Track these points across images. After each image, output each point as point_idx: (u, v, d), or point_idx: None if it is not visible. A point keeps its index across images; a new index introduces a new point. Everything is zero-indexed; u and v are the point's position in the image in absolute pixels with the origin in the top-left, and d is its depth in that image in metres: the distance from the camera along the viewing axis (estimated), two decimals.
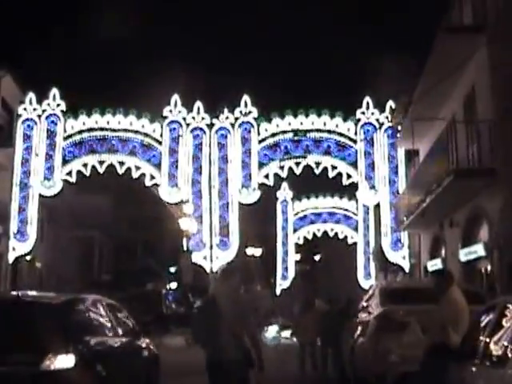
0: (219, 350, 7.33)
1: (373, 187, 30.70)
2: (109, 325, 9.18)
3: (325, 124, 30.99)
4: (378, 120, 30.98)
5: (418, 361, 7.84)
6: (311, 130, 30.97)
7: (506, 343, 5.85)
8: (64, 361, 7.22)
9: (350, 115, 31.10)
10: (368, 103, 31.20)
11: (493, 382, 5.66)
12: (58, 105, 31.44)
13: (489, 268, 17.77)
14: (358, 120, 31.03)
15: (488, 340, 6.30)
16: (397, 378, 9.02)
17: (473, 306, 7.91)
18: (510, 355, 5.56)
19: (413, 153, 27.35)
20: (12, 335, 7.37)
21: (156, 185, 31.11)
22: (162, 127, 31.23)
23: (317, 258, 55.01)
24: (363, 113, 31.10)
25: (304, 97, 53.73)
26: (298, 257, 44.31)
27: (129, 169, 31.05)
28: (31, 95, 31.56)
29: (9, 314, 7.70)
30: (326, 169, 31.03)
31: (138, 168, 31.06)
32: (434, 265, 22.68)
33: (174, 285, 40.83)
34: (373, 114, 31.06)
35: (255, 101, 31.83)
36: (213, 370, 7.47)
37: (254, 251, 44.86)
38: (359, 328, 10.91)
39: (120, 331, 9.47)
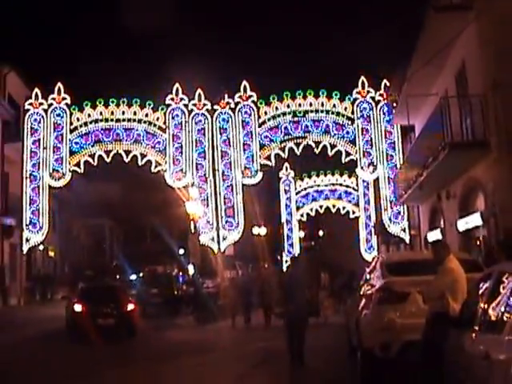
0: (298, 304, 12.27)
1: (371, 163, 30.74)
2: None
3: (323, 105, 30.97)
4: (373, 98, 30.95)
5: (420, 330, 7.95)
6: (310, 111, 30.96)
7: (503, 309, 5.87)
8: (130, 306, 19.06)
9: (347, 95, 31.03)
10: (363, 82, 31.12)
11: (492, 348, 5.68)
12: (64, 98, 31.46)
13: (486, 236, 17.79)
14: (355, 99, 30.98)
15: (486, 307, 6.32)
16: (400, 347, 9.08)
17: (471, 274, 7.98)
18: (507, 321, 5.60)
19: (409, 128, 27.33)
20: (109, 298, 19.14)
21: (162, 170, 31.15)
22: (165, 115, 31.25)
23: (320, 233, 55.14)
24: (359, 92, 31.03)
25: (301, 80, 53.39)
26: (302, 234, 44.39)
27: (135, 156, 31.09)
28: (36, 90, 31.54)
29: (107, 291, 20.00)
30: (325, 147, 31.02)
31: (143, 155, 31.11)
32: (434, 236, 22.70)
33: (184, 267, 40.72)
34: (369, 92, 31.00)
35: (254, 86, 31.78)
36: (292, 318, 12.21)
37: (260, 230, 44.82)
38: (363, 300, 10.97)
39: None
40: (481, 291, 6.89)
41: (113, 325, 18.15)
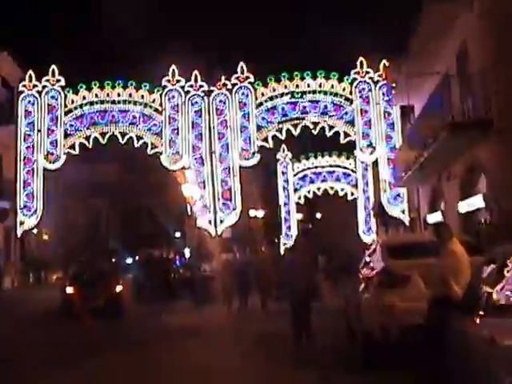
0: (300, 289, 12.11)
1: (370, 144, 30.63)
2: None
3: (321, 85, 30.85)
4: (372, 79, 30.79)
5: (421, 313, 7.83)
6: (308, 92, 30.84)
7: (508, 293, 5.75)
8: (118, 288, 20.56)
9: (345, 76, 30.88)
10: (362, 63, 30.96)
11: (497, 332, 5.54)
12: (58, 80, 31.35)
13: (488, 219, 17.58)
14: (354, 80, 30.85)
15: (491, 290, 6.21)
16: (402, 331, 8.96)
17: (473, 258, 7.82)
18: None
19: (408, 109, 27.16)
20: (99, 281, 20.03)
21: (158, 153, 31.09)
22: (161, 97, 31.16)
23: (318, 216, 54.98)
24: (358, 72, 30.90)
25: (299, 61, 52.98)
26: (300, 216, 44.32)
27: (131, 139, 31.03)
28: (30, 72, 31.37)
29: (98, 274, 20.55)
30: (323, 129, 30.92)
31: (139, 138, 31.07)
32: (434, 218, 22.52)
33: (181, 250, 40.68)
34: (367, 72, 30.84)
35: (251, 67, 31.66)
36: (295, 304, 12.18)
37: (257, 213, 44.81)
38: (363, 283, 10.87)
39: None
40: (484, 275, 6.78)
41: (102, 306, 19.04)
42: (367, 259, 11.78)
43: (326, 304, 19.28)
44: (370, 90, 30.72)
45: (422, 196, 26.86)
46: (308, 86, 30.84)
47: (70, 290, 19.94)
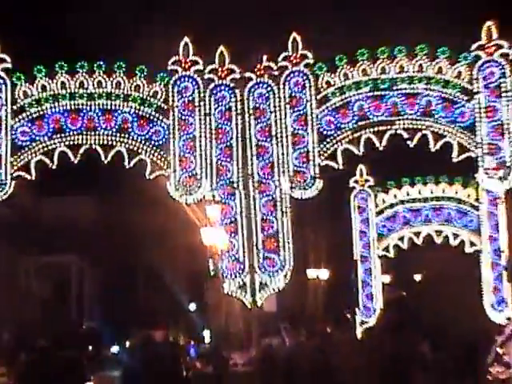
0: None
1: (503, 163, 29.38)
2: None
3: (421, 68, 29.73)
4: (506, 56, 29.40)
5: None
6: (400, 80, 29.92)
7: None
8: None
9: (462, 53, 29.68)
10: (489, 30, 29.49)
11: None
12: (1, 61, 30.35)
13: None
14: (476, 58, 29.55)
15: None
16: None
17: None
18: None
19: None
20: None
21: (163, 176, 30.38)
22: (166, 88, 30.47)
23: (417, 277, 55.51)
24: (482, 47, 29.52)
25: (378, 33, 52.17)
26: (387, 278, 44.62)
27: (118, 154, 30.30)
28: None
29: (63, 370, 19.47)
30: (425, 138, 29.96)
31: (132, 152, 30.35)
32: None
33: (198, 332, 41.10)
34: (499, 47, 29.46)
35: (309, 41, 30.89)
36: None
37: (319, 273, 44.58)
38: None
39: None
40: None
41: None
42: (499, 350, 12.30)
43: None
44: (503, 76, 29.43)
45: None
46: (401, 68, 29.80)
47: None
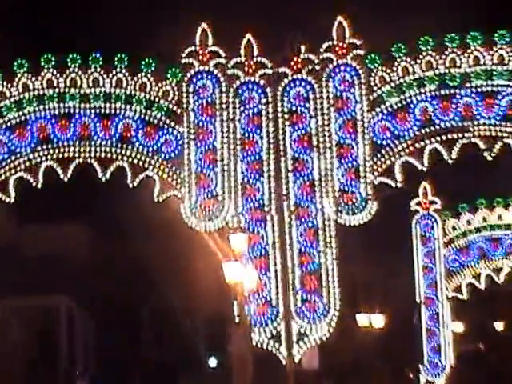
0: None
1: None
2: None
3: (502, 60, 29.49)
4: None
5: None
6: (474, 75, 29.77)
7: None
8: None
9: None
10: None
11: None
12: None
13: None
14: None
15: None
16: None
17: None
18: None
19: None
20: None
21: (176, 198, 30.37)
22: (179, 87, 30.50)
23: (499, 327, 55.13)
24: None
25: (446, 16, 52.25)
26: (460, 326, 44.35)
27: (120, 171, 30.28)
28: None
29: None
30: (507, 149, 29.76)
31: (136, 168, 30.38)
32: None
33: None
34: None
35: (359, 27, 30.92)
36: None
37: (372, 319, 44.00)
38: None
39: None
40: None
41: None
42: None
43: None
44: None
45: None
46: (477, 60, 29.57)
47: None
